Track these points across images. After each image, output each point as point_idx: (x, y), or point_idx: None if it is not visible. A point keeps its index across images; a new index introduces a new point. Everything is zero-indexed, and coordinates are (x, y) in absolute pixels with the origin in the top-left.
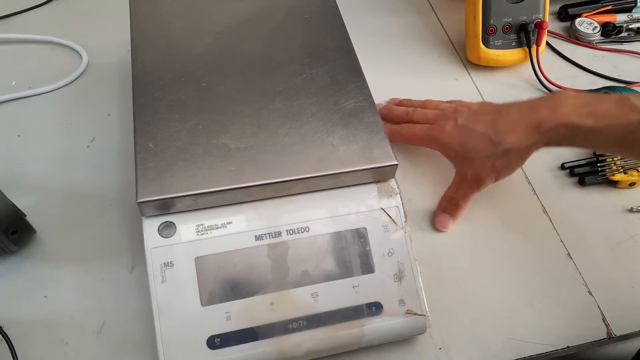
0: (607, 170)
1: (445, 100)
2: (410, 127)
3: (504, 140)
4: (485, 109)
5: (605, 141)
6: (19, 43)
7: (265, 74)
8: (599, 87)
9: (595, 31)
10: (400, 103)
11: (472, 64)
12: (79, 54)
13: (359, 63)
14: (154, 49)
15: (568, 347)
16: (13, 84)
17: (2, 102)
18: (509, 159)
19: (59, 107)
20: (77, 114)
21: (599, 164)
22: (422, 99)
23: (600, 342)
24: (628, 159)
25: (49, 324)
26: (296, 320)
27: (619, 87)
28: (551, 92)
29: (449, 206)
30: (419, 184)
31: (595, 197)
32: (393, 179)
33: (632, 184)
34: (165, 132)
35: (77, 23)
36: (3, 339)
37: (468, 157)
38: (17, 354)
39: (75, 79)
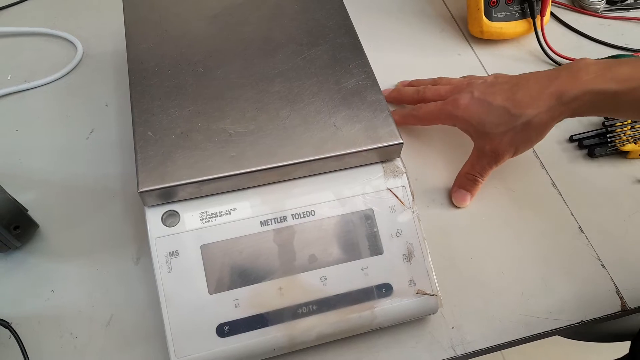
0: (617, 140)
1: (453, 77)
2: (424, 106)
3: (524, 112)
4: (502, 80)
5: (632, 105)
6: (12, 36)
7: (264, 56)
8: (605, 56)
9: None
10: (410, 84)
11: (475, 38)
12: (74, 44)
13: (359, 40)
14: (148, 36)
15: (582, 321)
16: (9, 77)
17: None
18: (528, 133)
19: (56, 99)
20: (75, 106)
21: (608, 135)
22: (425, 77)
23: (614, 315)
24: None
25: (57, 318)
26: (306, 304)
27: (626, 56)
28: (566, 63)
29: (466, 182)
30: (425, 162)
31: (606, 169)
32: (399, 158)
33: None
34: (163, 120)
35: (70, 14)
36: (12, 335)
37: (486, 132)
38: (26, 349)
39: (70, 71)
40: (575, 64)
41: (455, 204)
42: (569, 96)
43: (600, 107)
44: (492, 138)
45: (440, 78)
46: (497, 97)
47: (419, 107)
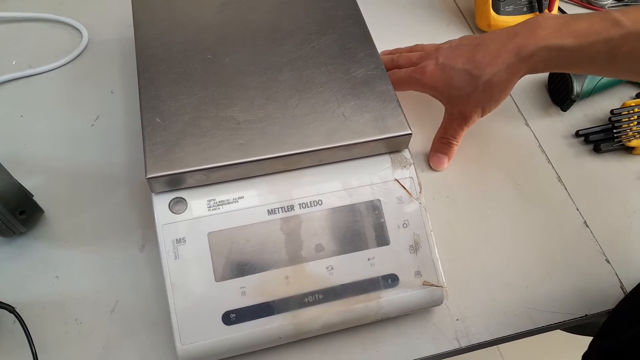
0: (622, 136)
1: (430, 43)
2: (396, 72)
3: (484, 72)
4: (465, 41)
5: (590, 61)
6: (18, 22)
7: (273, 44)
8: None
9: None
10: (391, 52)
11: (482, 32)
12: (79, 31)
13: (368, 31)
14: (157, 22)
15: (586, 315)
16: (13, 63)
17: (3, 82)
18: (491, 92)
19: (61, 85)
20: (80, 93)
21: (614, 130)
22: None
23: None
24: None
25: (61, 304)
26: (312, 293)
27: None
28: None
29: (441, 146)
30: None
31: (611, 164)
32: (407, 149)
33: None
34: (172, 106)
35: (76, 0)
36: (17, 320)
37: (452, 95)
38: (31, 334)
39: (76, 57)
40: (534, 19)
41: (433, 167)
42: (527, 52)
43: (558, 63)
44: (458, 101)
45: (416, 45)
46: (459, 60)
47: (391, 72)
